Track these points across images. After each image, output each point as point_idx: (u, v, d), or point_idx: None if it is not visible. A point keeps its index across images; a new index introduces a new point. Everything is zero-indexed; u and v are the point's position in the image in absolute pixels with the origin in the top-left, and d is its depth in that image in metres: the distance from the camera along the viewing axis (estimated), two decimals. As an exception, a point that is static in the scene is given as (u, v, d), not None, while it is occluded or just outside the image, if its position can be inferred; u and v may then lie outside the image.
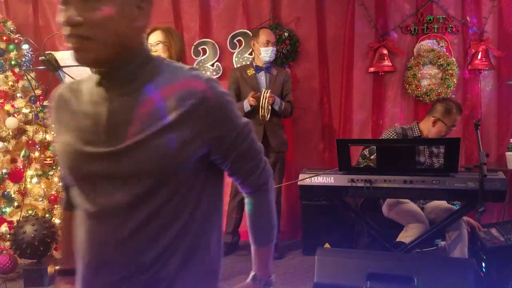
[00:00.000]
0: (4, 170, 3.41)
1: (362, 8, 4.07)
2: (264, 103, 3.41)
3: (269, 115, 3.47)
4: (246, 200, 1.20)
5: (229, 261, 3.60)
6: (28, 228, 3.14)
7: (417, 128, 3.09)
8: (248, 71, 3.63)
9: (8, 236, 3.35)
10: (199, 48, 4.11)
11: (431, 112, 3.06)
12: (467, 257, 2.70)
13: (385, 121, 4.16)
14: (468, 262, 2.01)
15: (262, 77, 3.64)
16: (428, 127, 3.04)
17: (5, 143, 3.42)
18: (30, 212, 3.41)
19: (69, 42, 0.98)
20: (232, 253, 3.70)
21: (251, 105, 3.46)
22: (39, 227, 3.16)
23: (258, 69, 3.63)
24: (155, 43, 2.67)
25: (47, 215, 3.42)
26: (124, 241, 1.01)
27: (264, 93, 3.43)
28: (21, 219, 3.28)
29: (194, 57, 4.11)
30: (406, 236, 2.71)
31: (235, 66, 4.00)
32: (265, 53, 3.55)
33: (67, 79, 2.69)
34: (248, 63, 3.82)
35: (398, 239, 2.75)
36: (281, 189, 3.75)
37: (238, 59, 4.11)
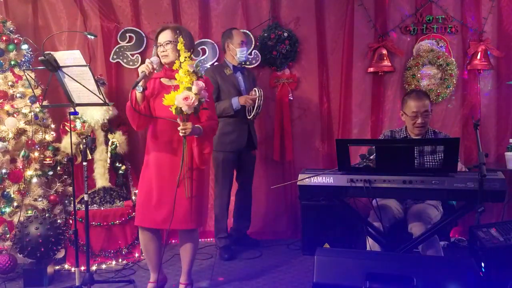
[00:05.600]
0: (4, 170, 3.41)
1: (362, 8, 4.08)
2: (260, 102, 3.47)
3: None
4: None
5: (231, 264, 3.60)
6: (34, 228, 3.14)
7: (404, 128, 3.11)
8: (225, 71, 3.64)
9: (8, 236, 3.35)
10: (199, 48, 4.11)
11: None
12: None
13: (384, 121, 4.17)
14: (467, 262, 2.01)
15: (240, 77, 3.69)
16: (406, 124, 3.08)
17: (5, 143, 3.42)
18: (30, 212, 3.41)
19: None
20: (236, 258, 3.70)
21: (242, 105, 3.51)
22: (45, 228, 3.16)
23: (235, 69, 3.68)
24: (165, 42, 2.70)
25: (46, 215, 3.42)
26: None
27: (259, 92, 3.48)
28: (24, 218, 3.28)
29: (194, 57, 4.09)
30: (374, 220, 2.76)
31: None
32: (241, 54, 3.62)
33: (67, 79, 2.69)
34: (220, 63, 3.83)
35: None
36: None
37: (238, 59, 4.11)
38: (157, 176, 2.72)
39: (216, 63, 4.01)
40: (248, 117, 3.55)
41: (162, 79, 2.76)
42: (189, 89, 2.51)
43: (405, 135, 3.07)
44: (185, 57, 2.54)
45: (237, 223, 3.92)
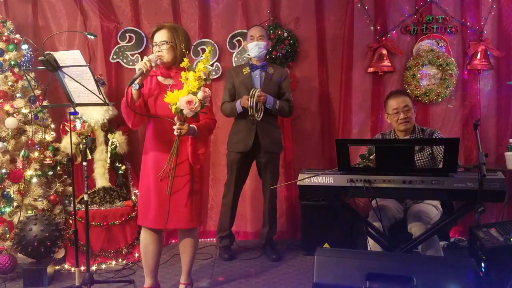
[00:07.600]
0: (4, 170, 3.41)
1: (361, 8, 4.08)
2: (252, 103, 3.36)
3: (261, 114, 3.42)
4: None
5: (231, 264, 3.60)
6: (34, 228, 3.14)
7: (393, 130, 3.13)
8: (244, 70, 3.60)
9: (8, 236, 3.35)
10: (199, 48, 4.11)
11: None
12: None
13: (384, 121, 4.16)
14: (467, 262, 2.01)
15: (257, 75, 3.58)
16: (393, 125, 3.11)
17: (5, 143, 3.42)
18: (30, 212, 3.41)
19: None
20: (236, 258, 3.70)
21: (243, 107, 3.43)
22: (45, 228, 3.16)
23: (253, 67, 3.59)
24: (161, 42, 2.65)
25: (46, 215, 3.42)
26: None
27: (252, 92, 3.37)
28: (24, 218, 3.27)
29: (194, 57, 4.11)
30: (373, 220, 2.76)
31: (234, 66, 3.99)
32: (250, 49, 3.54)
33: (67, 79, 2.69)
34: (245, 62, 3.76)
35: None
36: (276, 191, 3.74)
37: (238, 59, 4.11)
38: (155, 176, 2.68)
39: (243, 63, 3.92)
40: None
41: (158, 78, 2.72)
42: (195, 93, 2.49)
43: (394, 137, 3.09)
44: (203, 63, 2.54)
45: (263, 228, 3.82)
